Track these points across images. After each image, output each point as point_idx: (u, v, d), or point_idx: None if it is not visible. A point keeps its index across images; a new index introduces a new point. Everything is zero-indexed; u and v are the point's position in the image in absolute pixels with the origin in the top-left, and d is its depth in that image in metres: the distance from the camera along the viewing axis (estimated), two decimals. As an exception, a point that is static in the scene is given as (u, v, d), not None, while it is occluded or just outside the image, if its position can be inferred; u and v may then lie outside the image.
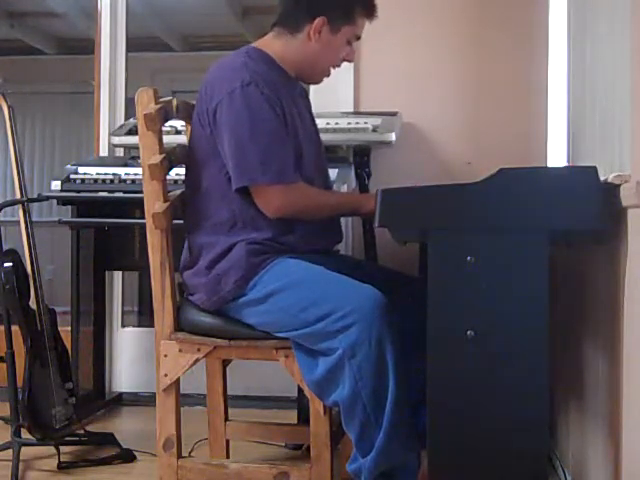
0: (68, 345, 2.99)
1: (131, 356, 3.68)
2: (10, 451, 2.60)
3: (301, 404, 2.84)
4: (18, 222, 2.82)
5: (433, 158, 3.33)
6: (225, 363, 2.55)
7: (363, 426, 2.02)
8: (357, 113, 3.29)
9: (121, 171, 3.06)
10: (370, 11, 2.29)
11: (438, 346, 1.80)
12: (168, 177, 2.22)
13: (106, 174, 3.06)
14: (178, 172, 2.66)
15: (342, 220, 2.44)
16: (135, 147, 2.64)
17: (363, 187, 3.11)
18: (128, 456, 2.75)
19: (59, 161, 7.25)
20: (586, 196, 1.73)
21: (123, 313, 3.76)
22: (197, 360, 2.20)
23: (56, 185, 3.07)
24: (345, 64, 2.35)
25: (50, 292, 3.35)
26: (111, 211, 3.16)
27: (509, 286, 1.77)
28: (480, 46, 3.33)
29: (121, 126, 3.40)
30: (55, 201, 3.16)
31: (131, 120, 3.33)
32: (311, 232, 2.23)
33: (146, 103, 2.14)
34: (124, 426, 3.33)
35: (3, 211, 2.78)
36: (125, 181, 3.02)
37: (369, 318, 1.97)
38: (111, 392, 3.63)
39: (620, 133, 2.01)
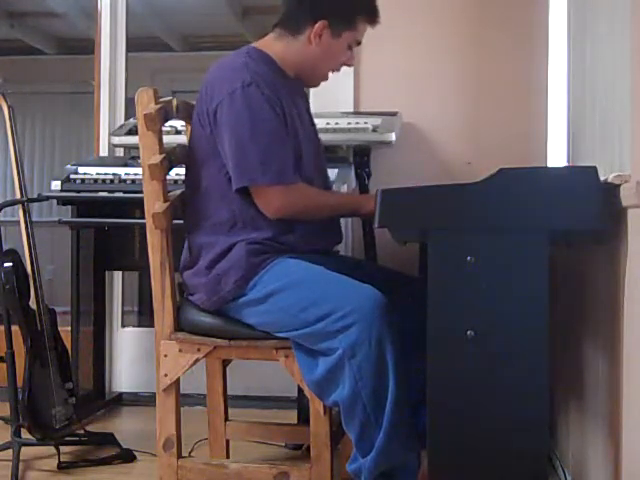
0: (68, 345, 2.99)
1: (131, 356, 3.68)
2: (10, 451, 2.60)
3: (301, 404, 2.84)
4: (18, 222, 2.82)
5: (433, 158, 3.33)
6: (225, 363, 2.54)
7: (363, 426, 2.01)
8: (357, 113, 3.28)
9: (121, 171, 3.06)
10: (373, 18, 2.28)
11: (438, 346, 1.80)
12: (168, 177, 2.22)
13: (106, 174, 3.06)
14: (178, 172, 2.66)
15: (342, 220, 2.44)
16: (135, 147, 2.64)
17: (363, 187, 3.11)
18: (128, 456, 2.75)
19: (59, 161, 7.25)
20: (586, 196, 1.73)
21: (123, 313, 3.76)
22: (197, 360, 2.20)
23: (56, 185, 3.07)
24: (345, 65, 2.35)
25: (50, 292, 3.35)
26: (111, 211, 3.16)
27: (509, 286, 1.77)
28: (480, 46, 3.32)
29: (121, 126, 3.40)
30: (55, 201, 3.15)
31: (131, 120, 3.33)
32: (311, 232, 2.23)
33: (146, 103, 2.14)
34: (124, 426, 3.33)
35: (3, 211, 2.78)
36: (125, 181, 3.02)
37: (369, 318, 1.97)
38: (111, 392, 3.63)
39: (620, 133, 2.01)
